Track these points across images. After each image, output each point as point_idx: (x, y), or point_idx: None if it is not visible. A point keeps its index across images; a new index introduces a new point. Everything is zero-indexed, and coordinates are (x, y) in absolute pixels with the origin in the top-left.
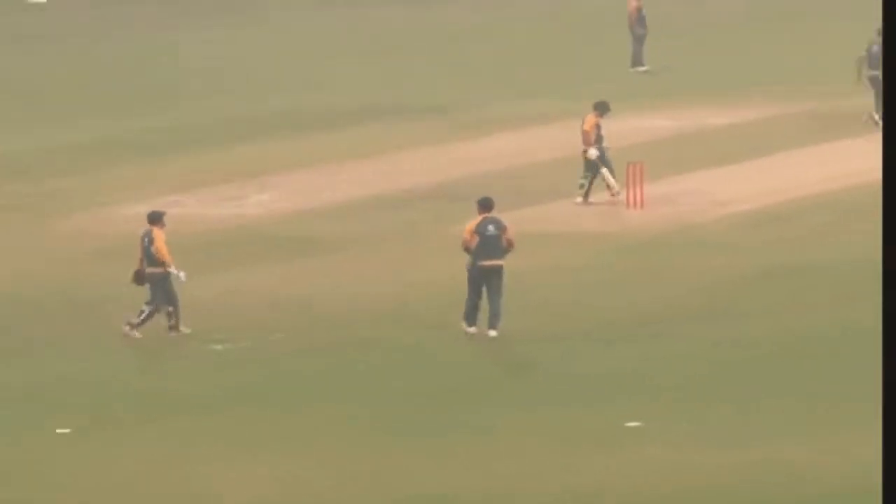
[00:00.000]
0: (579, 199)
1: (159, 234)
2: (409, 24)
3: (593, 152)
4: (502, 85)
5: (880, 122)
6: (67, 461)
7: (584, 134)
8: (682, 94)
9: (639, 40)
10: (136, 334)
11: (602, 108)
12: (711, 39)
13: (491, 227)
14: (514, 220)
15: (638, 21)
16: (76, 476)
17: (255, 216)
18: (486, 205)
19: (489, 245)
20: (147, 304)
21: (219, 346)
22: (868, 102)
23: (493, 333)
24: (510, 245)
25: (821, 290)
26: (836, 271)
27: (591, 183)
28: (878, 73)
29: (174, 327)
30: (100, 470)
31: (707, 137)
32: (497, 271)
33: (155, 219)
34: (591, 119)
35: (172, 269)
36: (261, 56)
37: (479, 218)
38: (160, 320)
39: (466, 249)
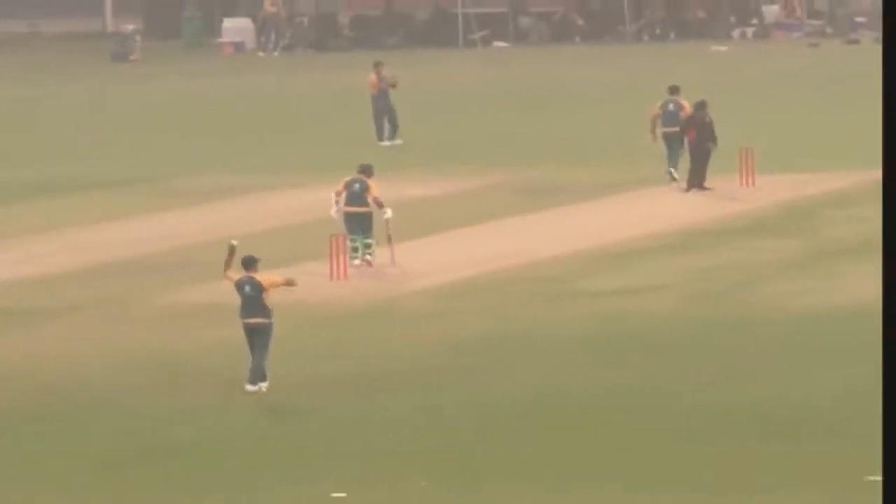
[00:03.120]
0: (359, 261)
1: None
2: (120, 96)
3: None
4: (220, 156)
5: (677, 178)
6: None
7: (376, 200)
8: (385, 167)
9: (377, 114)
10: None
11: (369, 171)
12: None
13: (247, 288)
14: (214, 292)
15: (379, 94)
16: None
17: None
18: (245, 263)
19: (246, 303)
20: None
21: None
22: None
23: (249, 388)
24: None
25: (526, 359)
26: (541, 340)
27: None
28: (674, 129)
29: None
30: None
31: (410, 209)
32: (256, 329)
33: None
34: (373, 182)
35: None
36: None
37: (241, 275)
38: None
39: None
